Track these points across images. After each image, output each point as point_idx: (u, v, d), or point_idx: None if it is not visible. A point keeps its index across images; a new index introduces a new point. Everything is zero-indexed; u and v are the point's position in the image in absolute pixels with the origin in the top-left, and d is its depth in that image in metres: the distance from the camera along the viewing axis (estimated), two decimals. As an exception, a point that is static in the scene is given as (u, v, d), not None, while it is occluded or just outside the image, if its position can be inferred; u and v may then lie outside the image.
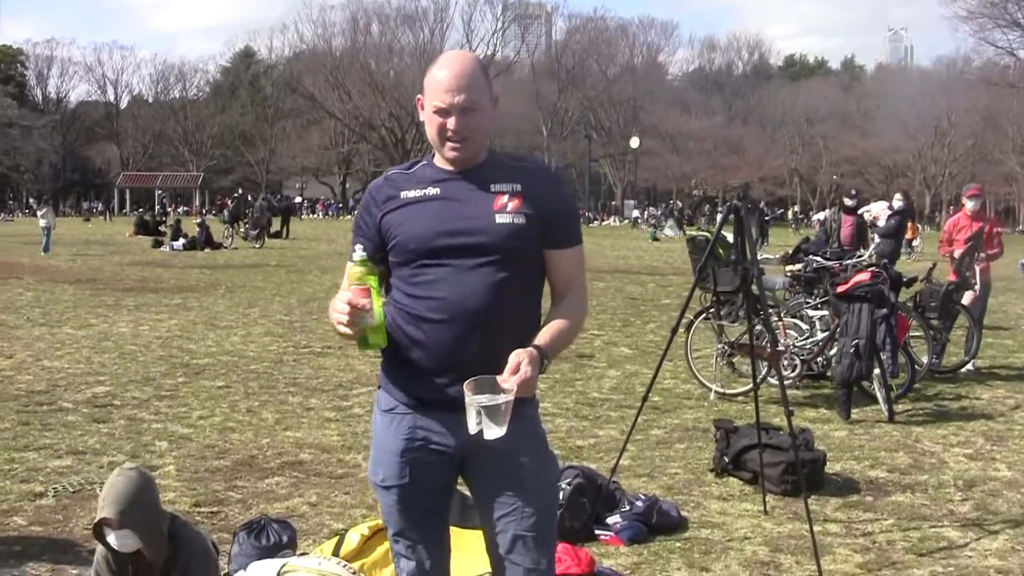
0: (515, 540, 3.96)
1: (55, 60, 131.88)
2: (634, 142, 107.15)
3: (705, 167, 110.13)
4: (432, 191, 3.94)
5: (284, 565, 5.78)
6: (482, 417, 3.59)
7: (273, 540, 6.32)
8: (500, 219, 3.86)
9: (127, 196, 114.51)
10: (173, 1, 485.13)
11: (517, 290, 3.90)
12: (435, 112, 3.86)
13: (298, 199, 67.23)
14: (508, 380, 3.60)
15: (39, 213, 42.23)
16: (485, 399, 3.58)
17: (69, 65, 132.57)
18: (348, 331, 3.71)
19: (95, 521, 4.84)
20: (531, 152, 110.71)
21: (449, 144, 3.89)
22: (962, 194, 16.15)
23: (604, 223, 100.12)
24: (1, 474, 8.50)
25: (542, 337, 3.84)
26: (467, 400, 3.59)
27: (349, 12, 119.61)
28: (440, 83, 3.84)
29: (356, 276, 3.74)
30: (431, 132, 3.92)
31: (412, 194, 3.96)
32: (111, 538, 4.82)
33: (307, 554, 6.23)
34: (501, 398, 3.58)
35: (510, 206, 3.87)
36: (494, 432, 3.60)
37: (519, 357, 3.65)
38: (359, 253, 3.79)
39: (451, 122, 3.83)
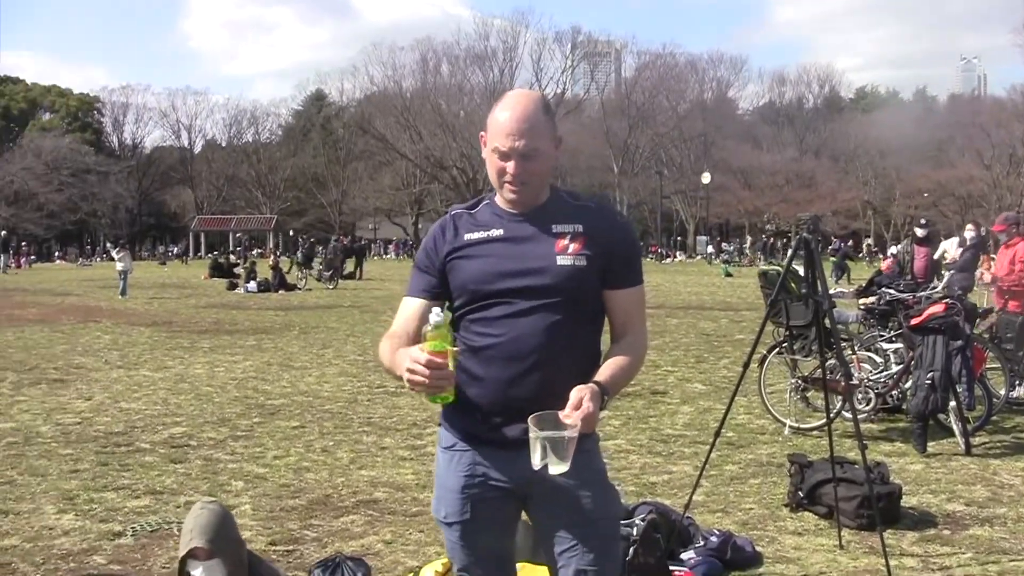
0: (577, 575, 3.95)
1: (130, 106, 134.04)
2: (705, 178, 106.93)
3: (777, 202, 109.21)
4: (495, 232, 3.96)
5: (359, 602, 5.82)
6: (547, 452, 3.57)
7: (348, 578, 6.36)
8: (561, 261, 3.86)
9: (202, 239, 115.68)
10: (245, 46, 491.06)
11: (576, 330, 3.90)
12: (495, 154, 3.88)
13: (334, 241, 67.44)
14: (571, 415, 3.57)
15: (116, 257, 42.64)
16: (552, 433, 3.56)
17: (144, 111, 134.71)
18: (421, 389, 3.58)
19: (182, 554, 4.86)
20: (602, 190, 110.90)
21: (508, 187, 3.91)
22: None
23: (676, 260, 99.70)
24: (81, 514, 8.61)
25: (603, 374, 3.81)
26: (531, 435, 3.57)
27: (419, 53, 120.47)
28: (502, 126, 3.85)
29: (435, 340, 3.59)
30: (491, 172, 3.95)
31: (475, 236, 3.98)
32: (198, 571, 4.84)
33: (382, 591, 6.27)
34: (566, 433, 3.55)
35: (571, 248, 3.88)
36: (559, 467, 3.58)
37: (581, 393, 3.62)
38: (436, 317, 3.63)
39: (510, 166, 3.86)
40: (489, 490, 3.99)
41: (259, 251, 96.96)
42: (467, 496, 4.01)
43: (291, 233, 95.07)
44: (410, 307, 4.09)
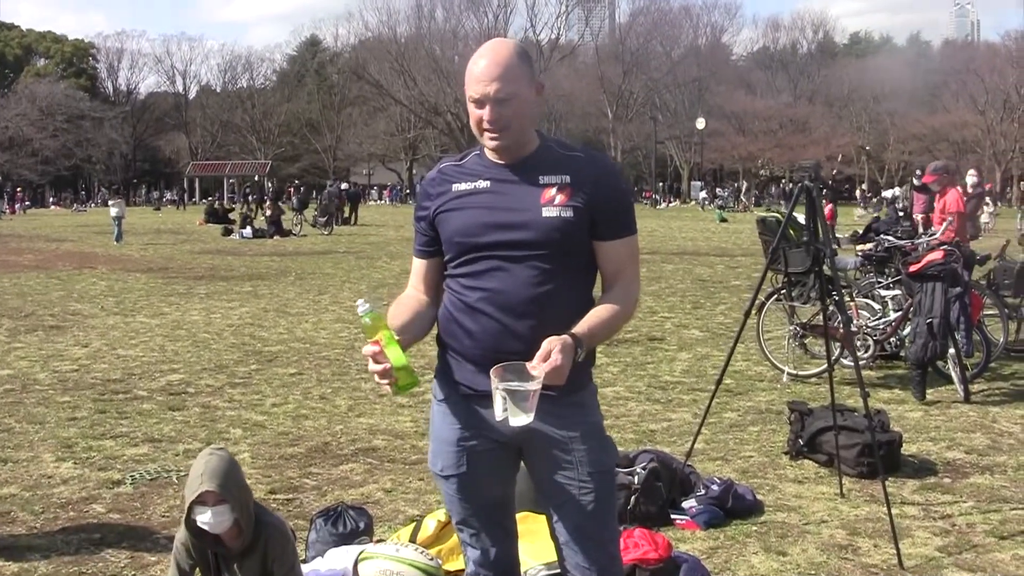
0: (573, 528, 3.98)
1: (125, 52, 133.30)
2: (700, 123, 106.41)
3: (771, 147, 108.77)
4: (482, 184, 3.93)
5: (362, 552, 5.82)
6: (508, 403, 3.56)
7: (350, 527, 6.36)
8: (547, 213, 3.81)
9: (196, 185, 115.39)
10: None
11: (564, 283, 3.87)
12: (472, 102, 3.84)
13: (344, 185, 66.43)
14: (537, 367, 3.55)
15: (110, 203, 42.64)
16: (512, 385, 3.55)
17: (139, 57, 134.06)
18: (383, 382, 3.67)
19: (190, 500, 4.82)
20: (596, 135, 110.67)
21: (487, 134, 3.85)
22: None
23: (671, 205, 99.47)
24: (80, 462, 8.61)
25: (581, 325, 3.76)
26: (492, 385, 3.58)
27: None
28: (475, 74, 3.81)
29: (366, 330, 3.69)
30: (472, 124, 3.90)
31: (463, 187, 3.95)
32: (206, 516, 4.79)
33: (384, 540, 6.26)
34: (528, 385, 3.54)
35: (558, 199, 3.83)
36: (520, 419, 3.56)
37: (551, 344, 3.59)
38: (362, 307, 3.72)
39: (486, 113, 3.80)
40: (484, 442, 3.99)
41: (255, 197, 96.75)
42: (463, 449, 4.02)
43: (265, 181, 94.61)
44: (415, 267, 4.20)
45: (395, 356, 3.62)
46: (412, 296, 4.12)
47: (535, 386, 3.53)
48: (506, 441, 3.95)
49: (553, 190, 3.84)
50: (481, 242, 3.87)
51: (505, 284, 3.84)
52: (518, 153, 3.92)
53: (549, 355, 3.56)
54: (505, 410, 3.57)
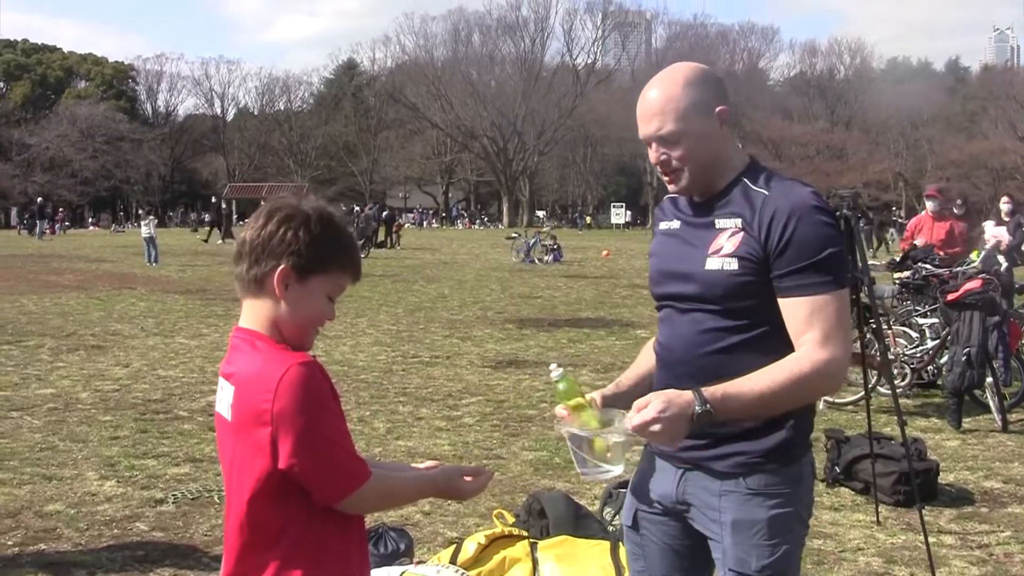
0: None
1: (164, 75, 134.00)
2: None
3: (808, 173, 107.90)
4: (674, 225, 3.59)
5: (403, 573, 5.86)
6: (576, 452, 3.24)
7: (391, 548, 6.41)
8: (710, 265, 3.35)
9: (233, 207, 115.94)
10: (279, 16, 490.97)
11: (743, 345, 3.36)
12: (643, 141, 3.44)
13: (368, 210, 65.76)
14: (629, 417, 3.14)
15: (143, 224, 42.76)
16: (574, 429, 3.23)
17: (178, 79, 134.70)
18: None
19: None
20: (633, 160, 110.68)
21: (664, 177, 3.48)
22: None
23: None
24: (122, 481, 8.72)
25: (722, 385, 3.20)
26: (555, 426, 3.33)
27: (451, 23, 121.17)
28: (638, 111, 3.44)
29: (558, 395, 3.37)
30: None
31: (662, 227, 3.65)
32: None
33: (424, 562, 6.31)
34: (583, 432, 3.22)
35: (725, 247, 3.34)
36: (588, 472, 3.27)
37: (652, 398, 3.15)
38: (555, 372, 3.39)
39: (652, 155, 3.42)
40: (650, 503, 3.60)
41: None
42: (633, 502, 3.69)
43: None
44: None
45: (588, 421, 3.30)
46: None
47: (609, 436, 3.21)
48: (668, 508, 3.55)
49: (724, 236, 3.37)
50: (658, 292, 3.58)
51: (672, 339, 3.51)
52: (707, 191, 3.49)
53: (645, 406, 3.13)
54: (578, 463, 3.25)
